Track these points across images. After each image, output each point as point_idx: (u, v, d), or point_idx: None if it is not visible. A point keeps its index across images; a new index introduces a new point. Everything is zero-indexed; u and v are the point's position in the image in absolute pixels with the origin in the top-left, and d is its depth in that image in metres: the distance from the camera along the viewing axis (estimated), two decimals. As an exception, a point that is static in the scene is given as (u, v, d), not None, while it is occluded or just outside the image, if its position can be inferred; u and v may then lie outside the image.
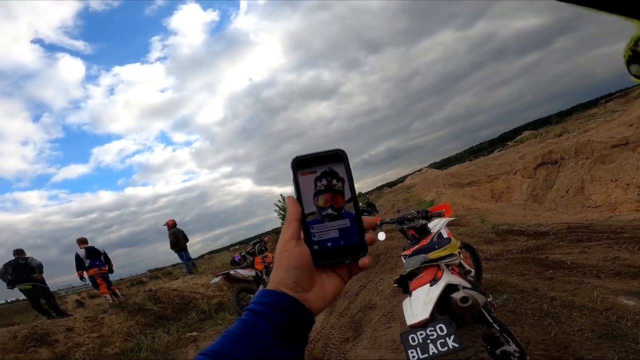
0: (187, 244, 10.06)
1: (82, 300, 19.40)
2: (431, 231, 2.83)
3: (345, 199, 0.51)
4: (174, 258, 10.19)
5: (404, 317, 1.91)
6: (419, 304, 1.83)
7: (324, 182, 0.51)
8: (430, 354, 1.55)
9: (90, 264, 7.38)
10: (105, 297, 7.54)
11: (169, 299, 6.93)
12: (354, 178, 0.52)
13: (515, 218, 7.98)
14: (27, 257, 7.08)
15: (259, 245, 6.87)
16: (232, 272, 6.07)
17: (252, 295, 5.77)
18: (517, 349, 1.88)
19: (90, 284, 7.64)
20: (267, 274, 6.49)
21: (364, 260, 0.51)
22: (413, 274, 2.15)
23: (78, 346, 5.44)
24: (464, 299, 1.76)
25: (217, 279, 6.07)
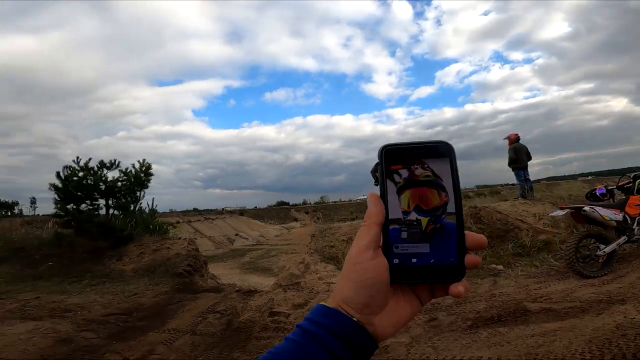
0: (528, 163, 8.63)
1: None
2: None
3: (446, 203, 0.37)
4: (507, 177, 9.32)
5: None
6: None
7: (404, 173, 0.38)
8: None
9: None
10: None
11: (490, 221, 6.27)
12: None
13: None
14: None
15: (640, 182, 4.54)
16: (587, 208, 4.38)
17: (601, 246, 4.18)
18: None
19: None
20: (640, 224, 4.41)
21: (457, 288, 0.37)
22: None
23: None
24: None
25: (561, 212, 4.66)
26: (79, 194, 8.04)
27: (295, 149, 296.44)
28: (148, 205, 9.72)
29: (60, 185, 8.14)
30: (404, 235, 0.38)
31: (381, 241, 0.39)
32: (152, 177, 9.44)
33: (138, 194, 9.19)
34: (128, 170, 9.00)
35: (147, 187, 9.34)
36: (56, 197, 8.06)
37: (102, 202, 8.48)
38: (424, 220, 0.37)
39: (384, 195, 0.39)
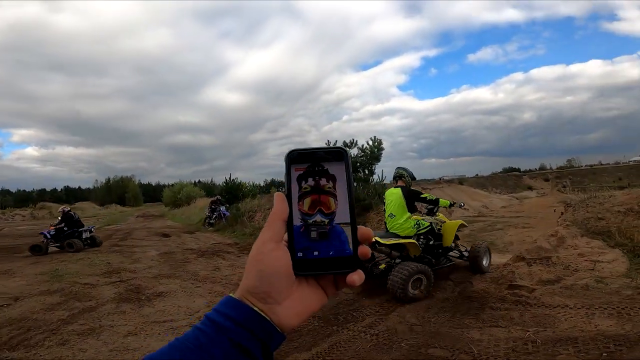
0: None
1: None
2: None
3: (340, 204, 0.43)
4: None
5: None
6: None
7: (310, 181, 0.44)
8: None
9: None
10: None
11: None
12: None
13: None
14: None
15: None
16: None
17: None
18: None
19: None
20: None
21: (352, 277, 0.42)
22: None
23: None
24: None
25: None
26: (334, 169, 10.41)
27: (520, 108, 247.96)
28: (379, 177, 10.96)
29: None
30: (308, 231, 0.43)
31: (286, 236, 0.44)
32: (383, 151, 10.81)
33: (372, 167, 10.83)
34: (364, 147, 10.73)
35: (379, 161, 10.79)
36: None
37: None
38: (327, 222, 0.43)
39: (289, 196, 0.44)
